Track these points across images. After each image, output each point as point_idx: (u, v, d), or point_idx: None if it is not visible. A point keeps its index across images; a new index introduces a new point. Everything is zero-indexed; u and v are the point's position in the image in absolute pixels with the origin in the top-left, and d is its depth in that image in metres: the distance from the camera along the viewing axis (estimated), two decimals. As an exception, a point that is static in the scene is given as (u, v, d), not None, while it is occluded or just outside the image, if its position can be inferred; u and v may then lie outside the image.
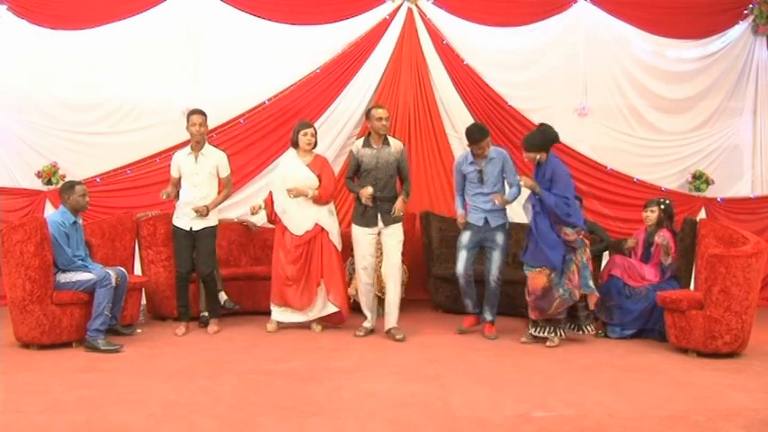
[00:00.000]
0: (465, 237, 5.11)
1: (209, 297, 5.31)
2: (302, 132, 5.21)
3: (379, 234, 5.08)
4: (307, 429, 3.09)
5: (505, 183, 5.13)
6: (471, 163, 5.09)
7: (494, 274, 5.05)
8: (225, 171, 5.23)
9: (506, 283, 5.17)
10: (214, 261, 5.30)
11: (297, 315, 5.25)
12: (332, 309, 5.21)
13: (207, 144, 5.20)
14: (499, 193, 5.04)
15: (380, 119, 5.01)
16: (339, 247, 5.30)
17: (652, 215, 5.28)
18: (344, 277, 5.38)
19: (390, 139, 5.15)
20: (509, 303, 5.56)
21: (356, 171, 5.14)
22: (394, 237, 5.06)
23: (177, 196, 5.21)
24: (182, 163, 5.17)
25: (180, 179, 5.19)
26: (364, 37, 6.80)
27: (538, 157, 4.76)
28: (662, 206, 5.29)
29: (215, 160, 5.17)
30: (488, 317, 5.13)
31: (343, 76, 6.76)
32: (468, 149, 5.12)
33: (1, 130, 6.53)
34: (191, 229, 5.10)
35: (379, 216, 5.02)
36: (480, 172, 5.04)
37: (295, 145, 5.28)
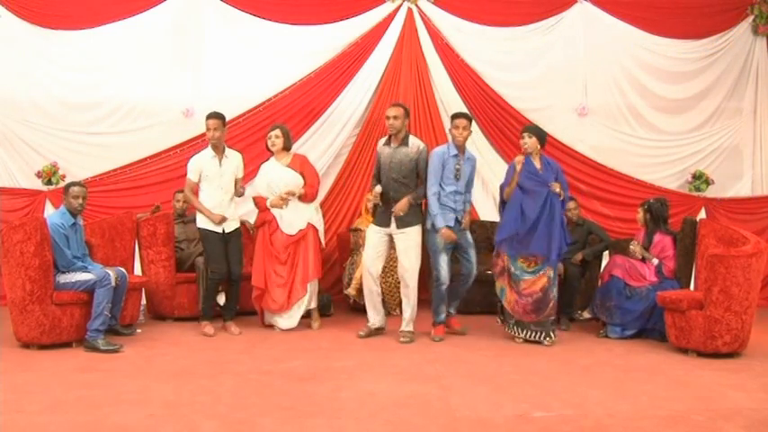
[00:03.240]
0: (442, 239, 4.93)
1: (233, 298, 5.30)
2: (267, 136, 5.27)
3: (392, 237, 5.00)
4: (307, 429, 3.08)
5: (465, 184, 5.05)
6: (454, 156, 4.98)
7: (475, 272, 5.04)
8: (241, 172, 5.28)
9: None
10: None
11: (290, 319, 5.24)
12: (310, 302, 5.27)
13: (225, 146, 5.21)
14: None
15: (388, 117, 4.99)
16: (323, 245, 5.43)
17: (639, 215, 5.34)
18: (321, 262, 5.42)
19: (411, 138, 5.05)
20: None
21: (379, 169, 5.09)
22: (405, 240, 4.95)
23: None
24: (205, 166, 5.11)
25: (198, 182, 5.16)
26: (364, 37, 6.80)
27: (537, 146, 4.95)
28: (645, 206, 5.29)
29: (236, 161, 5.22)
30: (453, 310, 5.17)
31: (343, 76, 6.76)
32: (449, 143, 5.03)
33: (1, 130, 6.53)
34: (223, 231, 5.10)
35: (392, 218, 4.96)
36: (458, 169, 4.96)
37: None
